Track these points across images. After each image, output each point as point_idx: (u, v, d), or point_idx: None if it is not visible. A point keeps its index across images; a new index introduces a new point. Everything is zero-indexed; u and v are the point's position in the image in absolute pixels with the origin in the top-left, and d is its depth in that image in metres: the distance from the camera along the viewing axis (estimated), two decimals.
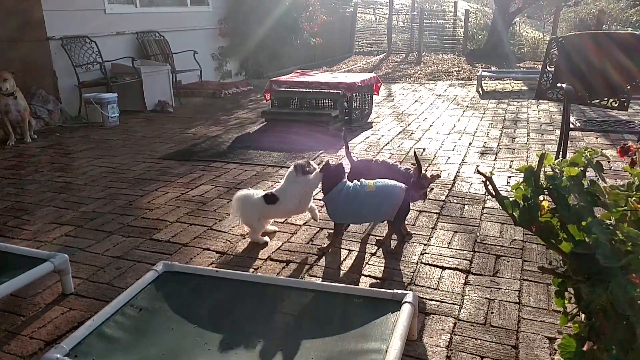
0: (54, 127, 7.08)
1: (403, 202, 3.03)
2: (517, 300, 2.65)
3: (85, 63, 7.61)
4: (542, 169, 1.39)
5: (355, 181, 3.12)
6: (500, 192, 1.59)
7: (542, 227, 1.35)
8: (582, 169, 1.37)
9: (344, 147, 3.67)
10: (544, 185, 1.35)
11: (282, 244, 3.33)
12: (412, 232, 3.44)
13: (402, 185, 3.06)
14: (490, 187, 1.45)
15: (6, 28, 7.37)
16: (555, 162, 1.40)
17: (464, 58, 15.09)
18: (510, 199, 1.43)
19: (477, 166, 4.88)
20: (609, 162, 4.41)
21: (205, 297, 2.48)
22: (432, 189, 4.16)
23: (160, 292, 2.49)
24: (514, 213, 1.39)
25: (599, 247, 1.14)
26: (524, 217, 1.34)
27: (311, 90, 6.86)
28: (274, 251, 3.23)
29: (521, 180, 1.42)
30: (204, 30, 10.56)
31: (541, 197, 1.37)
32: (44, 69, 7.36)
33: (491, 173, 1.52)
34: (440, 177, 3.33)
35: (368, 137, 6.19)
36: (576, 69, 4.58)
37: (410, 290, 2.76)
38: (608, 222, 1.27)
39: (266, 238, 3.36)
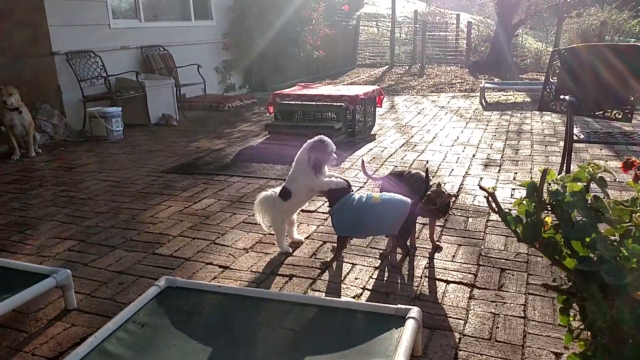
0: (59, 141, 7.12)
1: (409, 216, 3.01)
2: (523, 315, 2.62)
3: (89, 77, 7.66)
4: (545, 184, 1.38)
5: (361, 194, 3.13)
6: (504, 204, 1.58)
7: (545, 243, 1.34)
8: (585, 184, 1.36)
9: (362, 172, 3.67)
10: (547, 201, 1.34)
11: (285, 258, 3.31)
12: (416, 245, 3.42)
13: (408, 199, 3.05)
14: (492, 203, 1.44)
15: (11, 43, 7.45)
16: (558, 177, 1.39)
17: (467, 70, 15.12)
18: (513, 215, 1.41)
19: (481, 179, 4.87)
20: (614, 176, 4.38)
21: (207, 313, 2.47)
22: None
23: (163, 307, 2.48)
24: (517, 229, 1.38)
25: (604, 264, 1.12)
26: (527, 233, 1.33)
27: (314, 103, 6.88)
28: (277, 265, 3.22)
29: (524, 195, 1.41)
30: (208, 44, 10.63)
31: (544, 213, 1.36)
32: (48, 84, 7.41)
33: (494, 188, 1.51)
34: (456, 197, 3.25)
35: (371, 149, 6.19)
36: (579, 80, 4.58)
37: (415, 304, 2.74)
38: (612, 238, 1.25)
39: (289, 249, 3.38)
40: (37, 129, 6.73)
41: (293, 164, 3.30)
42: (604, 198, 1.32)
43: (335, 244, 3.24)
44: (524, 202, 1.38)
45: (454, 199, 3.16)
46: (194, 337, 2.28)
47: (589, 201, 1.32)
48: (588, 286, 1.17)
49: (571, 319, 1.38)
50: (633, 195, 1.34)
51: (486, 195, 1.46)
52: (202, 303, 2.52)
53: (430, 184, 3.25)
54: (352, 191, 3.18)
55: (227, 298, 2.54)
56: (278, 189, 3.35)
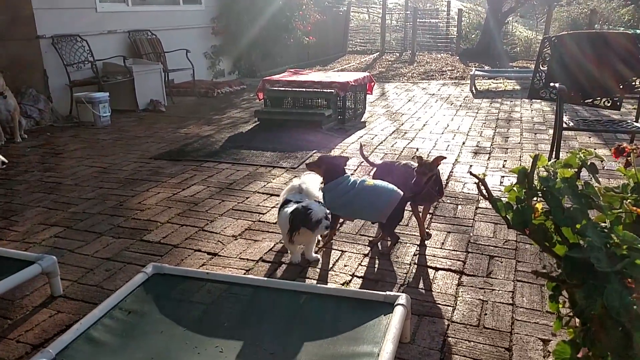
0: (45, 126, 7.01)
1: (398, 205, 3.01)
2: (511, 302, 2.63)
3: (76, 62, 7.54)
4: (536, 171, 1.37)
5: (356, 178, 3.16)
6: (494, 192, 1.56)
7: (535, 230, 1.33)
8: (576, 170, 1.35)
9: (360, 154, 3.64)
10: (538, 187, 1.33)
11: (275, 244, 3.29)
12: (405, 232, 3.41)
13: (399, 190, 3.05)
14: (483, 189, 1.43)
15: None
16: (549, 163, 1.38)
17: (457, 57, 15.10)
18: (504, 201, 1.40)
19: (470, 166, 4.87)
20: (602, 162, 4.40)
21: (195, 300, 2.44)
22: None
23: (150, 294, 2.45)
24: (507, 215, 1.37)
25: (594, 251, 1.12)
26: (518, 220, 1.32)
27: (304, 89, 6.83)
28: (266, 252, 3.20)
29: (514, 182, 1.39)
30: (197, 29, 10.50)
31: (535, 200, 1.35)
32: (34, 68, 7.28)
33: (484, 174, 1.49)
34: (445, 158, 3.20)
35: (361, 136, 6.17)
36: (569, 68, 4.58)
37: (403, 291, 2.74)
38: (603, 224, 1.24)
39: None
40: (23, 114, 6.63)
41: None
42: (594, 184, 1.31)
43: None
44: (515, 188, 1.37)
45: (445, 158, 3.15)
46: (181, 324, 2.26)
47: (580, 187, 1.31)
48: (578, 273, 1.16)
49: (560, 306, 1.38)
50: (623, 181, 1.33)
51: (477, 181, 1.45)
52: (190, 290, 2.50)
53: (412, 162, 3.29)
54: (347, 174, 3.18)
55: (215, 285, 2.52)
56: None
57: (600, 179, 4.21)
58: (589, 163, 1.34)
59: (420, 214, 3.35)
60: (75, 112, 7.26)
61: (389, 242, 3.22)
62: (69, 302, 2.69)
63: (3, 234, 3.51)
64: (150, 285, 2.50)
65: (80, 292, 2.78)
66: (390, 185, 3.10)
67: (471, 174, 1.56)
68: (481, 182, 1.41)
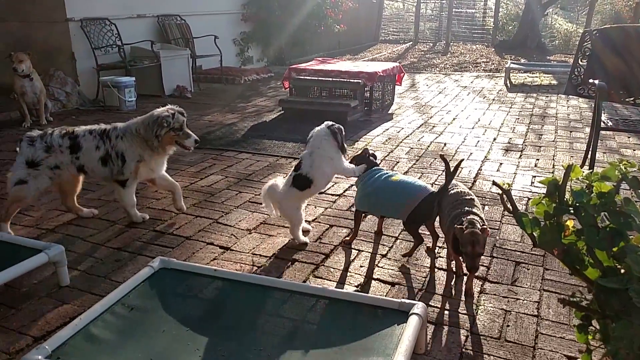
0: (71, 109, 7.03)
1: (421, 204, 2.82)
2: (536, 313, 2.46)
3: (104, 45, 7.52)
4: (569, 183, 1.20)
5: (384, 171, 3.05)
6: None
7: (565, 251, 1.17)
8: (614, 184, 1.18)
9: None
10: (570, 202, 1.16)
11: (289, 241, 3.18)
12: (427, 233, 3.25)
13: (428, 187, 2.88)
14: (507, 201, 1.27)
15: (25, 9, 7.32)
16: (584, 174, 1.21)
17: (493, 49, 14.67)
18: (530, 216, 1.24)
19: (500, 164, 4.65)
20: None
21: (201, 298, 2.35)
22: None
23: (155, 290, 2.37)
24: (533, 232, 1.21)
25: (633, 282, 0.96)
26: (545, 238, 1.16)
27: (330, 79, 6.67)
28: (280, 248, 3.09)
29: (544, 193, 1.23)
30: (226, 15, 10.40)
31: (566, 216, 1.19)
32: (62, 51, 7.30)
33: (509, 185, 1.33)
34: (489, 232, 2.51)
35: (387, 129, 5.99)
36: (610, 64, 4.31)
37: (421, 297, 2.60)
38: None
39: (306, 239, 3.16)
40: (50, 97, 6.65)
41: (310, 150, 3.00)
42: (636, 201, 1.13)
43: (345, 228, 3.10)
44: (544, 201, 1.20)
45: (488, 234, 2.47)
46: (185, 322, 2.17)
47: (618, 204, 1.14)
48: (612, 304, 1.01)
49: (590, 337, 1.22)
50: None
51: (500, 192, 1.29)
52: (197, 287, 2.40)
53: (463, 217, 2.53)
54: (379, 166, 3.12)
55: (222, 283, 2.42)
56: (281, 179, 3.14)
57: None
58: (630, 176, 1.16)
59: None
60: (102, 96, 7.26)
61: (413, 244, 3.04)
62: (76, 292, 2.63)
63: (17, 219, 3.47)
64: (156, 281, 2.41)
65: (88, 282, 2.72)
66: (418, 182, 2.93)
67: (495, 183, 1.39)
68: (505, 193, 1.25)
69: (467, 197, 2.72)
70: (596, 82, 4.12)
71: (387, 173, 3.01)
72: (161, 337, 2.09)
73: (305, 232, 3.26)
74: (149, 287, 2.37)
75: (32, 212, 3.62)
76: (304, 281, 2.74)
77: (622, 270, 1.06)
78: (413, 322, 2.05)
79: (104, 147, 3.17)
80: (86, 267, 2.87)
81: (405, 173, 4.33)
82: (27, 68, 5.92)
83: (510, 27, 17.12)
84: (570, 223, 1.20)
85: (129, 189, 3.29)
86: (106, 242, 3.16)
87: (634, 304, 0.93)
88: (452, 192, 2.80)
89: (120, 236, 3.24)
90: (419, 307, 2.13)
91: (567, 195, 1.19)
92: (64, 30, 7.23)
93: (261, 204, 3.41)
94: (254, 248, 3.09)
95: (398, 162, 4.68)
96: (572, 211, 1.17)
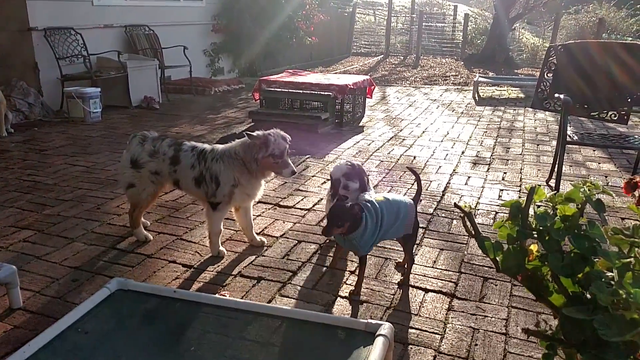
0: (34, 120, 6.81)
1: (415, 215, 2.78)
2: (504, 331, 2.43)
3: (69, 56, 7.33)
4: (532, 205, 1.17)
5: (369, 200, 2.71)
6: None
7: (529, 277, 1.13)
8: (579, 207, 1.14)
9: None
10: (533, 226, 1.13)
11: (255, 258, 3.10)
12: (395, 248, 3.21)
13: (407, 199, 2.84)
14: (469, 225, 1.23)
15: None
16: (548, 196, 1.18)
17: (462, 62, 14.88)
18: (493, 241, 1.20)
19: (468, 177, 4.66)
20: (613, 198, 4.13)
21: (160, 321, 2.24)
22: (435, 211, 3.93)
23: (111, 313, 2.25)
24: (496, 257, 1.17)
25: (598, 312, 0.92)
26: (508, 264, 1.12)
27: (301, 91, 6.63)
28: (246, 266, 3.00)
29: (506, 217, 1.19)
30: (197, 26, 10.30)
31: (529, 240, 1.15)
32: (25, 60, 7.08)
33: (470, 207, 1.29)
34: None
35: (358, 142, 5.97)
36: (575, 78, 4.37)
37: (389, 315, 2.55)
38: (609, 274, 1.04)
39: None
40: (12, 108, 6.44)
41: None
42: (601, 225, 1.10)
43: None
44: (506, 225, 1.17)
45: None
46: (143, 347, 2.06)
47: (583, 228, 1.11)
48: (578, 333, 0.97)
49: None
50: (635, 222, 1.12)
51: (462, 215, 1.25)
52: (156, 309, 2.29)
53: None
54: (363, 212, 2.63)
55: (183, 304, 2.32)
56: None
57: (608, 216, 4.00)
58: (594, 199, 1.13)
59: None
60: (66, 107, 7.06)
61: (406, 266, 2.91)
62: (28, 315, 2.50)
63: None
64: (112, 303, 2.30)
65: (42, 304, 2.59)
66: (397, 195, 2.86)
67: (456, 206, 1.35)
68: (467, 216, 1.21)
69: None
70: (562, 96, 4.17)
71: (372, 201, 2.70)
72: None
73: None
74: (105, 310, 2.26)
75: None
76: (270, 300, 2.66)
77: (589, 296, 1.02)
78: (379, 344, 1.98)
79: (198, 167, 3.02)
80: (40, 287, 2.74)
81: (375, 187, 4.29)
82: None
83: (478, 41, 17.43)
84: (534, 247, 1.16)
85: (219, 214, 3.07)
86: (63, 260, 3.03)
87: (600, 336, 0.89)
88: None
89: (77, 255, 3.11)
90: (385, 327, 2.07)
91: (531, 218, 1.15)
92: (26, 40, 7.02)
93: (227, 219, 3.31)
94: (218, 265, 3.00)
95: (369, 175, 4.63)
96: (535, 235, 1.13)
